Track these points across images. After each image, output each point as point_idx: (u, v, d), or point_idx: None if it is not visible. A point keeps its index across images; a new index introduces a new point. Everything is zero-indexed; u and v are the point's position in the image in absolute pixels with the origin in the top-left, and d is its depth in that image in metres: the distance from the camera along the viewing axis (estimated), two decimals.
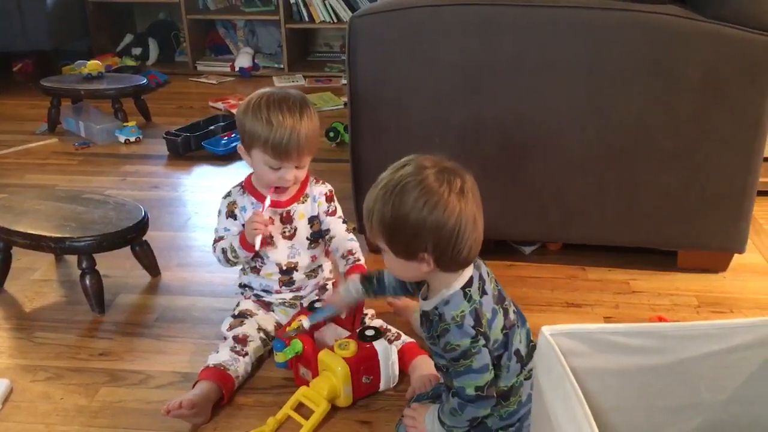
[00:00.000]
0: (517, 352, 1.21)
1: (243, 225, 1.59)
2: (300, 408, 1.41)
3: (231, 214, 1.60)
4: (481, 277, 1.19)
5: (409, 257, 1.14)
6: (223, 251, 1.59)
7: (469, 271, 1.18)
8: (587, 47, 1.71)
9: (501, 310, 1.19)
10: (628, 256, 1.98)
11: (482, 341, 1.15)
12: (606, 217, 1.87)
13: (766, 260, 2.01)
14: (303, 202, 1.61)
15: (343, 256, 1.62)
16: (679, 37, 1.67)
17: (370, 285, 1.40)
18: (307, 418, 1.38)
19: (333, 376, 1.40)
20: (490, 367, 1.16)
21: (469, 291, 1.16)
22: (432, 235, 1.10)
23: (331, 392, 1.39)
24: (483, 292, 1.18)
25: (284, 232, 1.60)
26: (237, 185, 1.63)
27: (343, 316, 1.54)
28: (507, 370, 1.20)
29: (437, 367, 1.29)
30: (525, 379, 1.22)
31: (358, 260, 1.61)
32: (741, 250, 1.88)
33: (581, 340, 0.95)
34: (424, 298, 1.23)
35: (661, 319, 1.71)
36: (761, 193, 1.91)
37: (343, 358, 1.40)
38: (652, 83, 1.71)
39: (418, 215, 1.09)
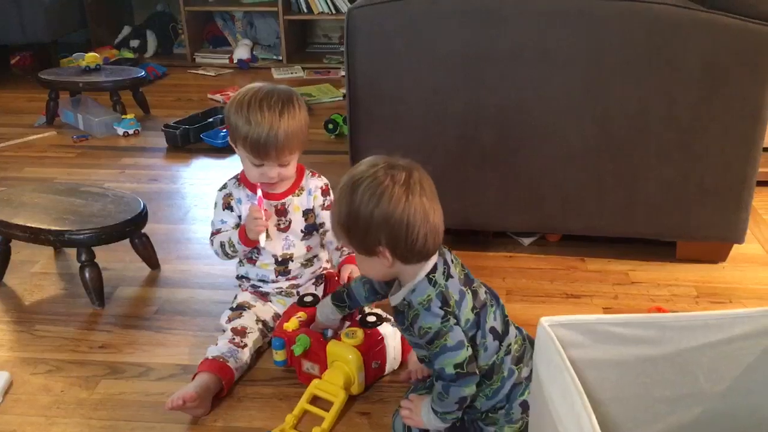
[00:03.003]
0: (493, 329, 1.23)
1: (239, 217, 1.59)
2: (314, 401, 1.41)
3: (227, 206, 1.61)
4: (445, 263, 1.22)
5: (369, 252, 1.19)
6: (221, 245, 1.59)
7: (432, 260, 1.21)
8: (586, 37, 1.71)
9: (469, 291, 1.22)
10: (627, 247, 1.98)
11: (453, 320, 1.18)
12: (605, 207, 1.87)
13: (766, 251, 2.01)
14: (298, 195, 1.61)
15: (337, 248, 1.64)
16: (678, 27, 1.66)
17: (342, 302, 1.42)
18: (321, 410, 1.38)
19: (345, 364, 1.40)
20: (467, 343, 1.18)
21: (434, 276, 1.19)
22: (382, 227, 1.14)
23: (347, 381, 1.40)
24: (448, 276, 1.21)
25: (279, 224, 1.60)
26: (233, 177, 1.64)
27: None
28: (484, 349, 1.21)
29: (420, 360, 1.31)
30: (505, 355, 1.24)
31: (352, 252, 1.61)
32: (740, 241, 1.88)
33: (580, 331, 0.96)
34: (392, 294, 1.26)
35: (659, 310, 1.71)
36: (761, 184, 1.91)
37: (354, 346, 1.41)
38: (651, 73, 1.71)
39: (366, 208, 1.14)
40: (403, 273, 1.22)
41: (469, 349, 1.19)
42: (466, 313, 1.20)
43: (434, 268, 1.20)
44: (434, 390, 1.23)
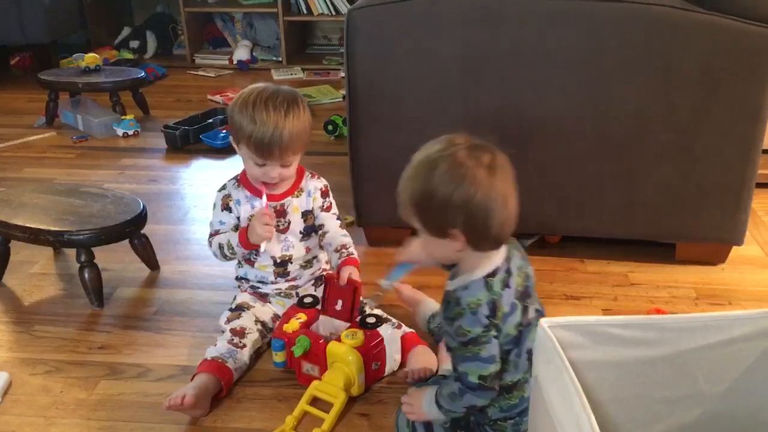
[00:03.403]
0: (530, 351, 1.17)
1: (238, 218, 1.60)
2: (313, 402, 1.41)
3: (226, 207, 1.61)
4: (508, 270, 1.18)
5: (441, 234, 1.13)
6: (220, 247, 1.59)
7: (497, 261, 1.17)
8: (586, 39, 1.71)
9: (521, 306, 1.18)
10: (626, 249, 1.98)
11: (494, 332, 1.14)
12: (604, 209, 1.87)
13: (765, 252, 2.01)
14: (297, 196, 1.62)
15: (336, 250, 1.63)
16: (677, 29, 1.67)
17: None
18: (321, 411, 1.38)
19: (345, 366, 1.40)
20: (498, 359, 1.16)
21: (492, 281, 1.15)
22: (460, 210, 1.09)
23: (347, 382, 1.40)
24: (505, 286, 1.16)
25: (278, 225, 1.60)
26: (232, 178, 1.64)
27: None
28: (515, 367, 1.19)
29: (447, 348, 1.27)
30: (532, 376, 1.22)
31: (352, 254, 1.62)
32: (739, 243, 1.88)
33: (580, 333, 0.96)
34: (451, 279, 1.22)
35: (659, 312, 1.71)
36: (760, 185, 1.91)
37: (353, 347, 1.41)
38: (650, 75, 1.71)
39: (446, 189, 1.08)
40: (467, 259, 1.17)
41: (499, 364, 1.16)
42: (509, 328, 1.16)
43: (494, 272, 1.15)
44: (447, 386, 1.21)
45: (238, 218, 1.61)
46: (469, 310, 1.14)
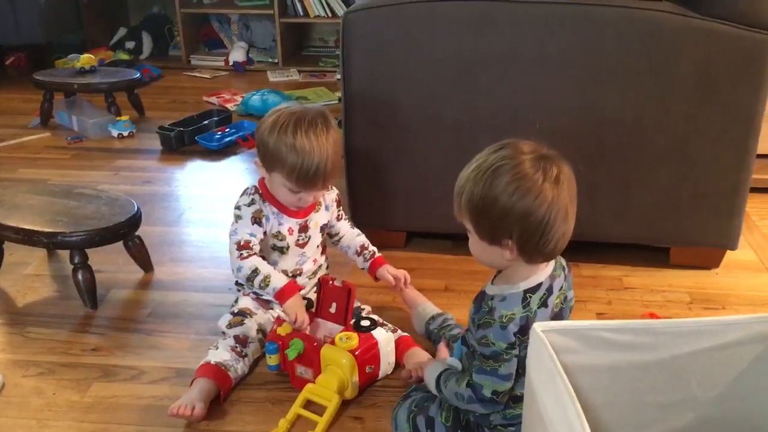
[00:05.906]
0: None
1: (265, 233, 1.55)
2: (307, 405, 1.40)
3: (257, 221, 1.54)
4: (550, 289, 1.16)
5: (493, 242, 1.12)
6: (255, 272, 1.49)
7: (541, 276, 1.15)
8: (582, 43, 1.71)
9: None
10: (621, 253, 1.98)
11: (517, 351, 1.13)
12: (599, 212, 1.87)
13: (759, 257, 2.02)
14: (317, 211, 1.62)
15: (357, 253, 1.65)
16: (673, 34, 1.67)
17: None
18: (315, 414, 1.38)
19: (339, 369, 1.40)
20: (513, 377, 1.16)
21: (530, 297, 1.13)
22: (519, 222, 1.07)
23: (340, 385, 1.40)
24: (543, 304, 1.15)
25: (298, 240, 1.59)
26: (254, 192, 1.56)
27: None
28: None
29: (464, 340, 1.26)
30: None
31: (374, 252, 1.65)
32: (733, 247, 1.88)
33: (573, 337, 0.96)
34: (492, 282, 1.21)
35: (653, 316, 1.71)
36: (754, 190, 1.91)
37: (347, 350, 1.41)
38: (645, 79, 1.71)
39: (508, 200, 1.06)
40: (514, 270, 1.15)
41: (513, 380, 1.16)
42: None
43: (536, 288, 1.14)
44: (455, 385, 1.20)
45: (266, 233, 1.56)
46: (499, 323, 1.12)
